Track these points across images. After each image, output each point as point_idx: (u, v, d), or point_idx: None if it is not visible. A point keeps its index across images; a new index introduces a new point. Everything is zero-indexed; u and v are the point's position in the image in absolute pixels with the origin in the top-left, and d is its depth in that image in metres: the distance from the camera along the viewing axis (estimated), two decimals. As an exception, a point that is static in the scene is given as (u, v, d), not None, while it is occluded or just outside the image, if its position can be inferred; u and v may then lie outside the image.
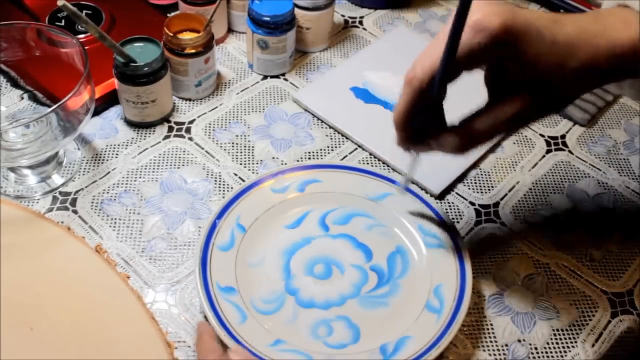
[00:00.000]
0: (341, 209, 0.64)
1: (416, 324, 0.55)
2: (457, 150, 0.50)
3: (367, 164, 0.70)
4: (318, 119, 0.74)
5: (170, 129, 0.72)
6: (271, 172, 0.64)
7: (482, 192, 0.68)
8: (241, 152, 0.70)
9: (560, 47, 0.46)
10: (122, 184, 0.66)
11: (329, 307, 0.57)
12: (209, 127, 0.72)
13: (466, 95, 0.53)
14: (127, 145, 0.70)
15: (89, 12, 0.77)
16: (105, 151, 0.69)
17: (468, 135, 0.50)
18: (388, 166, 0.70)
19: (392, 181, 0.65)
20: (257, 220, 0.61)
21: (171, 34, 0.69)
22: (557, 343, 0.57)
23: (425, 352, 0.53)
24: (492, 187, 0.69)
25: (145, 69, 0.66)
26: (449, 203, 0.67)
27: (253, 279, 0.58)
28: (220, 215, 0.60)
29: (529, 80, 0.47)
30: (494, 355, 0.56)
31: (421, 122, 0.51)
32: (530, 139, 0.75)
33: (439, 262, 0.59)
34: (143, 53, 0.67)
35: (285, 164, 0.69)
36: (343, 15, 0.89)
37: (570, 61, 0.46)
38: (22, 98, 0.73)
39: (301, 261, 0.60)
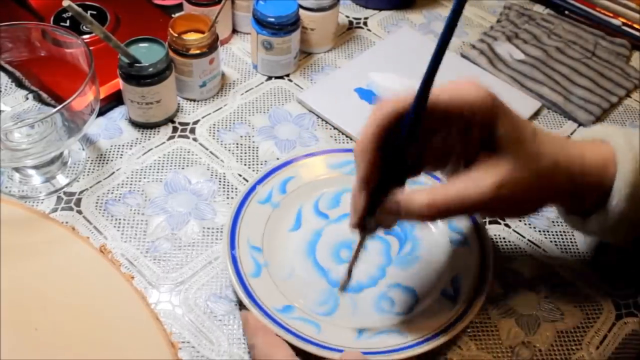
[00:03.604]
0: (326, 193, 0.65)
1: (455, 263, 0.58)
2: (427, 212, 0.47)
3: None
4: (322, 119, 0.74)
5: (175, 129, 0.72)
6: (250, 184, 0.63)
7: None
8: (245, 153, 0.70)
9: (539, 140, 0.48)
10: (127, 184, 0.66)
11: (376, 282, 0.59)
12: (214, 127, 0.72)
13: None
14: (131, 146, 0.70)
15: (94, 12, 0.77)
16: (110, 151, 0.69)
17: (444, 198, 0.47)
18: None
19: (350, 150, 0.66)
20: (264, 235, 0.61)
21: (176, 35, 0.70)
22: (561, 345, 0.57)
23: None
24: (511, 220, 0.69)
25: (150, 69, 0.66)
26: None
27: (298, 293, 0.58)
28: (232, 245, 0.59)
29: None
30: (498, 357, 0.56)
31: (389, 165, 0.47)
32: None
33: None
34: (148, 54, 0.67)
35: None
36: (347, 16, 0.89)
37: (544, 155, 0.47)
38: (27, 98, 0.73)
39: (325, 254, 0.61)
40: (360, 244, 0.52)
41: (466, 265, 0.59)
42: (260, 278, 0.57)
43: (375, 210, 0.49)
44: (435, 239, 0.62)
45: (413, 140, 0.46)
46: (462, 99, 0.46)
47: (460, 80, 0.47)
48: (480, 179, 0.46)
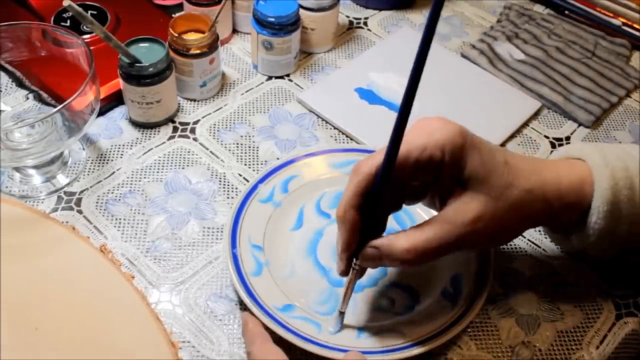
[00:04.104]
0: (328, 193, 0.65)
1: (455, 262, 0.58)
2: (409, 257, 0.48)
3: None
4: (322, 119, 0.74)
5: (175, 129, 0.72)
6: (252, 183, 0.64)
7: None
8: (246, 153, 0.70)
9: (510, 169, 0.48)
10: (127, 184, 0.66)
11: (376, 282, 0.59)
12: (214, 127, 0.72)
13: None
14: (131, 146, 0.70)
15: (94, 12, 0.77)
16: (110, 151, 0.69)
17: (425, 239, 0.48)
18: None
19: (355, 150, 0.68)
20: (265, 235, 0.61)
21: (176, 35, 0.70)
22: (561, 345, 0.57)
23: (483, 284, 0.56)
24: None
25: (150, 69, 0.66)
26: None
27: (298, 291, 0.58)
28: (233, 244, 0.59)
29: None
30: (498, 357, 0.56)
31: (368, 219, 0.49)
32: (535, 140, 0.74)
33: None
34: (148, 53, 0.67)
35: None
36: (348, 16, 0.89)
37: (515, 184, 0.48)
38: (28, 98, 0.73)
39: (326, 253, 0.61)
40: (349, 287, 0.52)
41: (466, 264, 0.59)
42: (261, 277, 0.57)
43: (359, 256, 0.50)
44: None
45: (384, 196, 0.48)
46: (431, 145, 0.47)
47: (428, 120, 0.48)
48: (456, 218, 0.48)
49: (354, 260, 0.51)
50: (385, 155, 0.46)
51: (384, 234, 0.51)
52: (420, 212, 0.64)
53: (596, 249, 0.54)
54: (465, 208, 0.48)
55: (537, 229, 0.66)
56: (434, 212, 0.53)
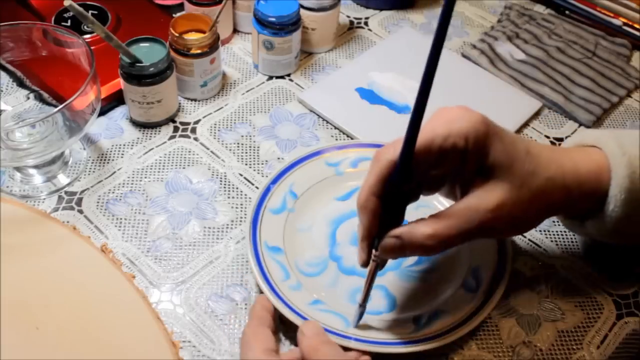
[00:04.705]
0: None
1: (451, 300, 0.57)
2: (431, 243, 0.48)
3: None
4: (323, 119, 0.74)
5: (176, 129, 0.72)
6: (327, 146, 0.66)
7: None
8: (246, 153, 0.70)
9: (532, 158, 0.49)
10: (128, 183, 0.66)
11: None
12: (215, 127, 0.72)
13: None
14: (132, 145, 0.70)
15: (95, 12, 0.77)
16: (111, 151, 0.69)
17: (448, 224, 0.48)
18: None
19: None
20: (309, 189, 0.64)
21: (177, 35, 0.70)
22: (562, 345, 0.57)
23: (457, 327, 0.54)
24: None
25: (151, 69, 0.66)
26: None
27: (300, 243, 0.61)
28: (275, 180, 0.63)
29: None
30: (499, 356, 0.56)
31: (388, 208, 0.49)
32: (536, 140, 0.74)
33: (480, 244, 0.60)
34: (149, 53, 0.67)
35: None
36: (348, 16, 0.89)
37: (537, 173, 0.49)
38: (28, 98, 0.73)
39: (347, 231, 0.62)
40: (370, 280, 0.52)
41: (486, 256, 0.59)
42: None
43: (379, 246, 0.50)
44: None
45: (406, 183, 0.48)
46: (454, 134, 0.47)
47: (450, 109, 0.48)
48: (479, 205, 0.48)
49: (374, 252, 0.50)
50: (404, 143, 0.45)
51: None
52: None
53: (613, 236, 0.54)
54: (488, 195, 0.48)
55: (538, 228, 0.66)
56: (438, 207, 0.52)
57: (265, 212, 0.61)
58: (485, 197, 0.48)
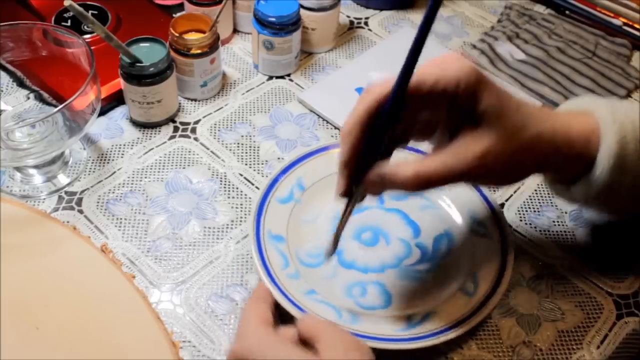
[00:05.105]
0: None
1: (447, 302, 0.57)
2: (413, 181, 0.48)
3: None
4: (323, 119, 0.74)
5: (176, 129, 0.72)
6: (337, 142, 0.66)
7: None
8: (246, 153, 0.70)
9: (523, 113, 0.48)
10: (128, 183, 0.66)
11: (367, 271, 0.60)
12: (215, 127, 0.72)
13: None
14: (132, 145, 0.70)
15: (95, 12, 0.77)
16: (111, 151, 0.69)
17: (431, 164, 0.48)
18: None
19: None
20: (318, 182, 0.64)
21: (177, 35, 0.70)
22: (562, 345, 0.57)
23: (449, 328, 0.54)
24: (496, 188, 0.69)
25: (151, 69, 0.66)
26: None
27: (303, 234, 0.61)
28: (284, 171, 0.64)
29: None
30: (499, 356, 0.56)
31: (373, 142, 0.49)
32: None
33: (483, 251, 0.60)
34: (149, 53, 0.67)
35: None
36: (348, 16, 0.89)
37: (528, 126, 0.48)
38: (28, 98, 0.73)
39: (351, 225, 0.62)
40: (347, 212, 0.52)
41: (486, 261, 0.59)
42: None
43: (361, 180, 0.50)
44: (460, 230, 0.63)
45: (394, 123, 0.48)
46: (446, 77, 0.46)
47: (443, 56, 0.48)
48: (465, 150, 0.48)
49: (354, 186, 0.50)
50: (399, 75, 0.45)
51: None
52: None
53: (598, 202, 0.54)
54: (476, 142, 0.47)
55: (538, 228, 0.66)
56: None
57: (271, 201, 0.62)
58: (473, 143, 0.48)
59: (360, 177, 0.50)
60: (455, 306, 0.56)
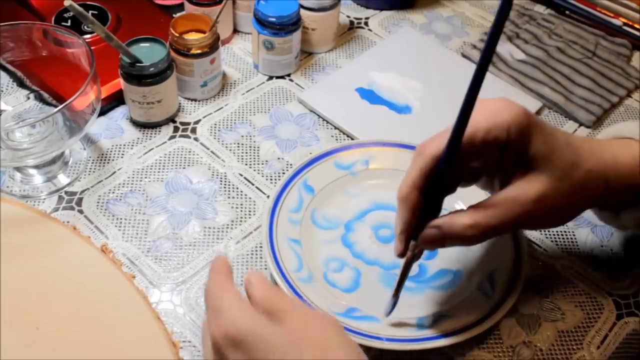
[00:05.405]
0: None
1: (465, 301, 0.57)
2: (471, 233, 0.48)
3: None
4: (323, 119, 0.74)
5: (176, 129, 0.72)
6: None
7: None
8: (246, 153, 0.70)
9: (573, 149, 0.49)
10: (128, 183, 0.66)
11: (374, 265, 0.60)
12: (215, 127, 0.72)
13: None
14: (132, 145, 0.70)
15: (95, 12, 0.77)
16: (111, 151, 0.69)
17: (490, 214, 0.48)
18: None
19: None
20: (327, 185, 0.65)
21: (177, 35, 0.70)
22: (562, 345, 0.57)
23: (467, 328, 0.54)
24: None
25: (151, 69, 0.66)
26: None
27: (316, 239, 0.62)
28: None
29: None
30: (499, 356, 0.56)
31: (430, 204, 0.49)
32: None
33: (497, 249, 0.60)
34: (149, 53, 0.67)
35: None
36: (348, 16, 0.89)
37: (578, 165, 0.49)
38: (28, 98, 0.73)
39: (372, 219, 0.63)
40: (406, 270, 0.52)
41: (502, 260, 0.59)
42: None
43: (417, 237, 0.50)
44: None
45: (449, 175, 0.48)
46: (497, 126, 0.47)
47: (494, 101, 0.48)
48: (520, 195, 0.48)
49: (412, 242, 0.51)
50: (451, 137, 0.45)
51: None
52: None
53: None
54: (529, 187, 0.48)
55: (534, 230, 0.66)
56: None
57: (281, 210, 0.62)
58: (527, 188, 0.48)
59: (415, 233, 0.50)
60: (474, 305, 0.56)
